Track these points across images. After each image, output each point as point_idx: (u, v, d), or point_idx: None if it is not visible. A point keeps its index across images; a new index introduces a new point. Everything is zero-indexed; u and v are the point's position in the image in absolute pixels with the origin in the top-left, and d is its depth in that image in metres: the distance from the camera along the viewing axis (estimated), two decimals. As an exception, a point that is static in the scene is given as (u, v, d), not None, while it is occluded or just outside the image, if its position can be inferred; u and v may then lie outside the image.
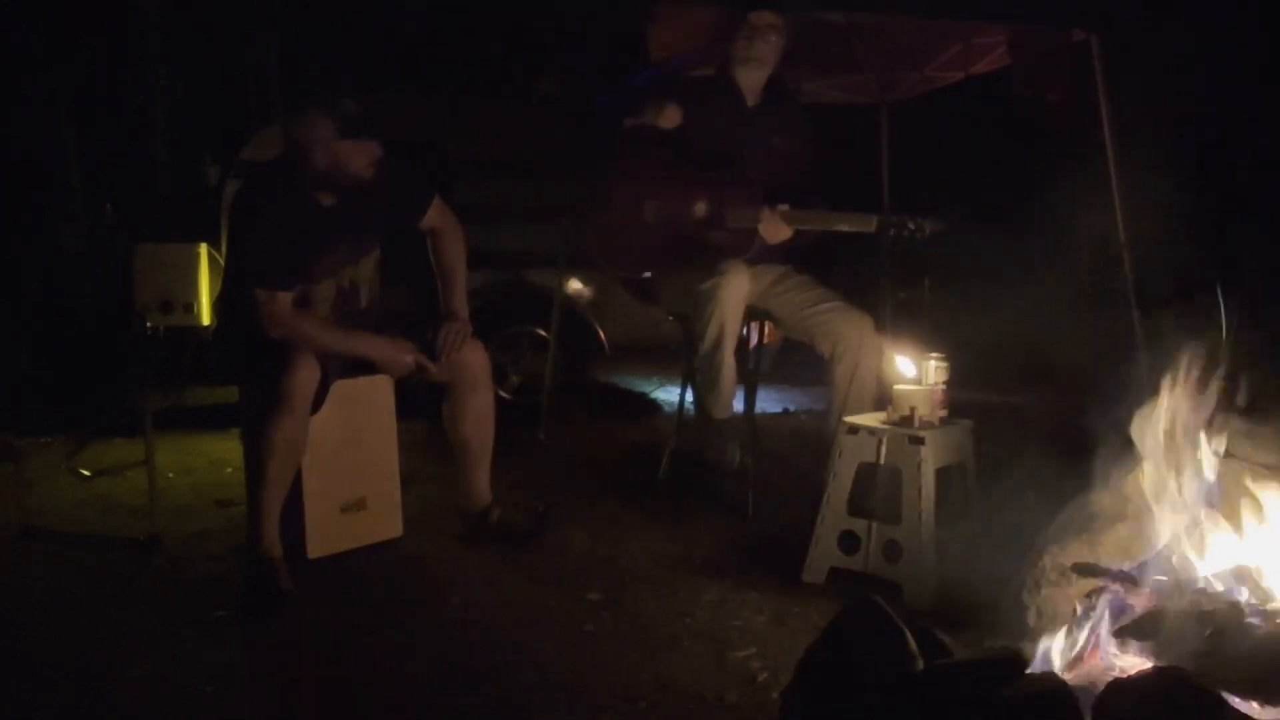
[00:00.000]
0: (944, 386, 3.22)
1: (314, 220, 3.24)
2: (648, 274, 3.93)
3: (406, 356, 3.34)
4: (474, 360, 3.43)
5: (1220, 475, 2.33)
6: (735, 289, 3.63)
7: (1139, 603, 2.15)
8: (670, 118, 3.75)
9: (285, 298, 3.17)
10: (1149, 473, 2.48)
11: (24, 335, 6.04)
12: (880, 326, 3.76)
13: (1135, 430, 2.50)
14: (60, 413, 5.14)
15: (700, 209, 3.81)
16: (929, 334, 3.69)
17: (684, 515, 3.81)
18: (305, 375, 3.10)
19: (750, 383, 4.06)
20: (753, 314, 3.82)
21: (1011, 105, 5.22)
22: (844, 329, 3.69)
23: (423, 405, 3.75)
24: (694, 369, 3.78)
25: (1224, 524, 2.30)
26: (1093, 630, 2.18)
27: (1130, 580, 2.21)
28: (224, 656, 2.76)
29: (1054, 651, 2.16)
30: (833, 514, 3.17)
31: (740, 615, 2.95)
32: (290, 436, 3.09)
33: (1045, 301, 5.55)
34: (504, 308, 5.52)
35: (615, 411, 5.91)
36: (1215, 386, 2.34)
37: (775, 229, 3.73)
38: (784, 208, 3.74)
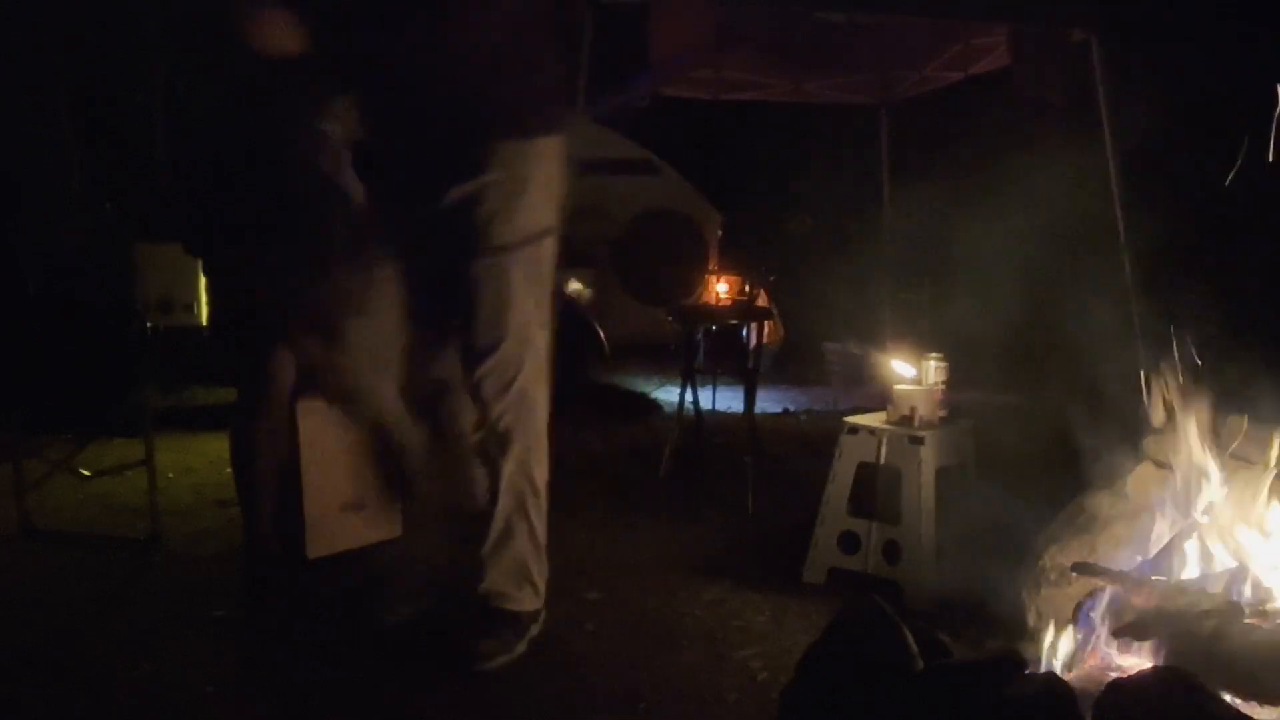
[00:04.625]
0: (944, 386, 3.22)
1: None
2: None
3: (412, 438, 3.07)
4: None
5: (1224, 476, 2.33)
6: None
7: (1139, 603, 2.15)
8: None
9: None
10: (1151, 473, 2.49)
11: (23, 335, 6.03)
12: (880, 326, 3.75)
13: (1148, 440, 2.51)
14: (60, 413, 5.13)
15: None
16: (929, 334, 3.69)
17: (684, 515, 3.81)
18: (278, 371, 3.09)
19: (750, 383, 4.05)
20: (753, 314, 3.77)
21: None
22: None
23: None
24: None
25: (1225, 525, 2.31)
26: (1093, 630, 2.18)
27: (1130, 580, 2.21)
28: (224, 656, 2.76)
29: (1054, 651, 2.16)
30: (833, 514, 3.17)
31: (740, 615, 2.95)
32: (269, 435, 3.10)
33: (1043, 301, 5.55)
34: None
35: (615, 411, 5.91)
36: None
37: None
38: None
